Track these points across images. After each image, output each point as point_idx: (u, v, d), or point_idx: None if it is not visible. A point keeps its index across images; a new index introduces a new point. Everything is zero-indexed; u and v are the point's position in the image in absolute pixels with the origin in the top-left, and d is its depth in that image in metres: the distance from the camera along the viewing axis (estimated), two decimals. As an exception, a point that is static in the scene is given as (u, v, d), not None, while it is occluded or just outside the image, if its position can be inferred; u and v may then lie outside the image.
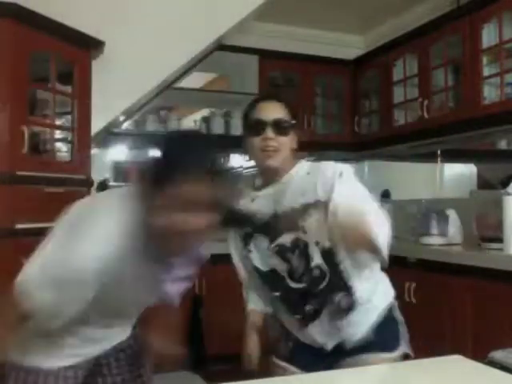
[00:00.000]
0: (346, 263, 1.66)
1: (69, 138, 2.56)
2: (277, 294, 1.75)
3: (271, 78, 4.35)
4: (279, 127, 1.69)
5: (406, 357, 1.71)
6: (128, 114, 3.30)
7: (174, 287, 1.54)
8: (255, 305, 1.86)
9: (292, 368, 1.76)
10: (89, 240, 1.28)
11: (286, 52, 4.29)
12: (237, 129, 4.26)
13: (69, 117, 2.55)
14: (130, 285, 1.40)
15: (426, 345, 3.19)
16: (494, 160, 4.08)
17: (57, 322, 1.34)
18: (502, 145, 3.91)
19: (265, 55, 4.24)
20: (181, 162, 1.29)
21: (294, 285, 1.68)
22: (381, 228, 1.48)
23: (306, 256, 1.66)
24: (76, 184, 2.48)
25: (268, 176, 1.75)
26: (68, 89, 2.52)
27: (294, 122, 1.74)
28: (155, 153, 1.42)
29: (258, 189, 1.78)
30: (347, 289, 1.66)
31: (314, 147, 3.56)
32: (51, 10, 2.29)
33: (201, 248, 1.55)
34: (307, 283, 1.66)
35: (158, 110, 4.32)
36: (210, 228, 1.31)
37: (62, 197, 2.41)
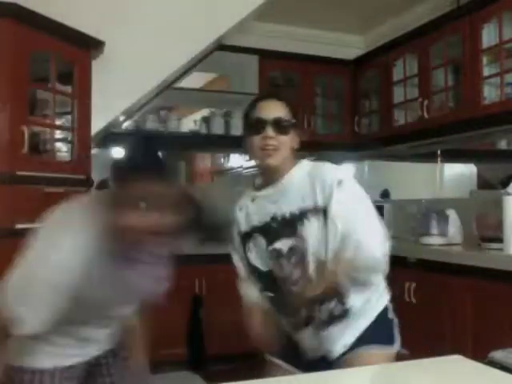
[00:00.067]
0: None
1: (69, 138, 2.56)
2: (271, 295, 1.75)
3: (271, 78, 4.35)
4: (279, 126, 1.69)
5: (400, 357, 1.71)
6: (128, 113, 3.30)
7: (151, 286, 1.57)
8: (253, 294, 1.84)
9: (287, 366, 1.76)
10: (57, 252, 1.35)
11: (285, 52, 4.30)
12: (237, 129, 4.26)
13: (69, 117, 2.55)
14: (101, 286, 1.43)
15: (426, 345, 3.19)
16: (494, 160, 4.08)
17: (36, 329, 1.38)
18: (502, 145, 3.91)
19: (265, 55, 4.24)
20: (137, 163, 1.38)
21: (287, 290, 1.69)
22: (375, 252, 1.59)
23: (303, 264, 1.66)
24: (76, 184, 2.48)
25: (268, 175, 1.74)
26: (68, 89, 2.52)
27: (294, 121, 1.74)
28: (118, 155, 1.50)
29: (258, 188, 1.78)
30: (340, 298, 1.67)
31: (313, 147, 3.56)
32: (51, 10, 2.29)
33: (175, 248, 1.59)
34: (301, 290, 1.65)
35: (158, 110, 4.32)
36: (167, 228, 1.37)
37: (62, 197, 2.41)
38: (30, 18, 2.21)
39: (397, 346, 1.76)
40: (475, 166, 4.13)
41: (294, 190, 1.68)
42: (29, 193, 2.21)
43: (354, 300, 1.68)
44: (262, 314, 1.77)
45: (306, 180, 1.67)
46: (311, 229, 1.63)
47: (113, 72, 2.70)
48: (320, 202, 1.62)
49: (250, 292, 1.83)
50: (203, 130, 4.28)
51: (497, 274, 2.72)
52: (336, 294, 1.64)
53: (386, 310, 1.79)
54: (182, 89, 3.94)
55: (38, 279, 1.35)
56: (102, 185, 1.72)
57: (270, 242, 1.71)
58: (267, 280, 1.76)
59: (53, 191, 2.35)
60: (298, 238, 1.65)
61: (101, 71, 2.62)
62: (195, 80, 4.49)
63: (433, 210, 3.61)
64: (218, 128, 4.23)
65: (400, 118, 3.96)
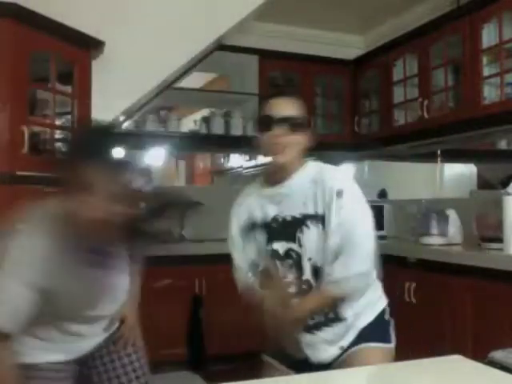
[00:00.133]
0: None
1: (69, 138, 2.56)
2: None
3: (271, 78, 4.34)
4: (288, 125, 1.69)
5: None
6: (128, 113, 3.30)
7: (117, 284, 1.60)
8: (249, 279, 1.83)
9: (283, 367, 1.77)
10: (19, 266, 1.40)
11: (286, 52, 4.29)
12: (237, 129, 4.26)
13: (69, 117, 2.55)
14: (71, 284, 1.47)
15: (426, 345, 3.20)
16: (494, 160, 4.08)
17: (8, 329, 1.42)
18: (502, 145, 3.91)
19: (265, 55, 4.24)
20: (87, 149, 1.44)
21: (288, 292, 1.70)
22: (361, 270, 1.65)
23: (299, 267, 1.69)
24: (76, 184, 2.47)
25: (275, 174, 1.75)
26: (68, 89, 2.52)
27: (304, 120, 1.74)
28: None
29: (264, 186, 1.79)
30: (334, 305, 1.69)
31: (314, 147, 3.56)
32: (51, 10, 2.29)
33: (138, 246, 1.62)
34: (295, 292, 1.69)
35: (158, 110, 4.32)
36: (116, 218, 1.40)
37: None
38: (30, 18, 2.21)
39: (393, 346, 1.79)
40: (475, 166, 4.13)
41: (298, 194, 1.69)
42: (29, 193, 2.21)
43: (346, 308, 1.71)
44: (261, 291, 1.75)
45: (310, 185, 1.69)
46: (310, 235, 1.66)
47: (113, 72, 2.70)
48: (320, 210, 1.64)
49: (246, 277, 1.82)
50: (203, 130, 4.27)
51: (497, 274, 2.72)
52: (328, 309, 1.68)
53: (383, 311, 1.81)
54: (182, 89, 3.93)
55: (8, 293, 1.40)
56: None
57: (269, 241, 1.72)
58: (261, 275, 1.77)
59: (53, 191, 2.34)
60: (295, 244, 1.67)
61: (101, 71, 2.62)
62: (195, 80, 4.48)
63: (433, 210, 3.61)
64: (217, 128, 4.23)
65: (400, 118, 3.95)
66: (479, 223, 3.25)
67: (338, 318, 1.70)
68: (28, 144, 2.18)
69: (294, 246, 1.67)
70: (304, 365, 1.71)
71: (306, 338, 1.72)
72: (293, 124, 1.69)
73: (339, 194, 1.63)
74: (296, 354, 1.75)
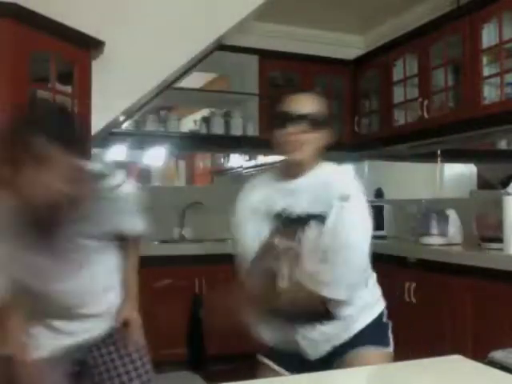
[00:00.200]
0: None
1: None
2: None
3: (271, 78, 4.34)
4: (307, 122, 1.65)
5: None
6: (128, 113, 3.30)
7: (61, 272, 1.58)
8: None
9: (278, 368, 1.76)
10: None
11: (286, 52, 4.29)
12: (237, 129, 4.26)
13: (69, 117, 2.55)
14: (19, 271, 1.50)
15: (426, 345, 3.20)
16: (494, 160, 4.08)
17: None
18: (502, 145, 3.91)
19: (265, 55, 4.24)
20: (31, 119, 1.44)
21: (279, 284, 1.69)
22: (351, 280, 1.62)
23: (294, 264, 1.67)
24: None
25: (288, 169, 1.73)
26: (68, 89, 2.52)
27: (324, 118, 1.70)
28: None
29: (276, 179, 1.77)
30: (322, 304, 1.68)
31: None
32: (51, 10, 2.29)
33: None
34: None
35: (158, 110, 4.32)
36: (63, 196, 1.41)
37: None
38: (30, 18, 2.20)
39: (391, 349, 1.78)
40: (475, 166, 4.13)
41: (307, 193, 1.68)
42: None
43: (344, 310, 1.69)
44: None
45: (321, 186, 1.67)
46: (311, 235, 1.64)
47: (113, 72, 2.70)
48: (325, 210, 1.63)
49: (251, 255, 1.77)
50: (203, 130, 4.27)
51: (497, 274, 2.72)
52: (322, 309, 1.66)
53: (381, 314, 1.81)
54: (182, 89, 3.93)
55: None
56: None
57: (271, 235, 1.71)
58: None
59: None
60: (295, 243, 1.66)
61: (101, 71, 2.62)
62: (195, 80, 4.48)
63: (433, 210, 3.61)
64: (217, 128, 4.23)
65: (400, 118, 3.95)
66: (479, 223, 3.25)
67: (333, 317, 1.69)
68: (28, 144, 2.18)
69: (293, 245, 1.67)
70: (297, 363, 1.70)
71: (302, 331, 1.71)
72: (312, 122, 1.66)
73: (344, 198, 1.62)
74: (285, 343, 1.74)
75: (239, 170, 4.96)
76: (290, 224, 1.68)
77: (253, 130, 4.24)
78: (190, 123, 4.82)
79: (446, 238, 3.44)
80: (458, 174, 4.35)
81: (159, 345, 3.27)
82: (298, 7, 4.20)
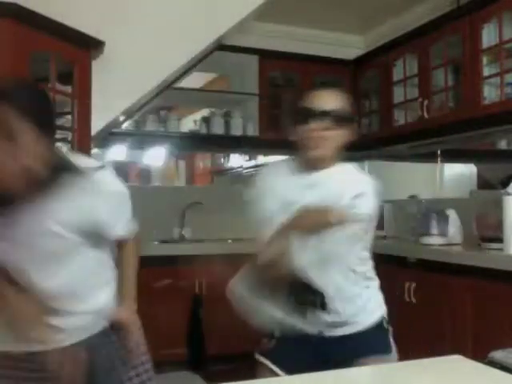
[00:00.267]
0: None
1: (69, 138, 2.56)
2: None
3: (271, 78, 4.35)
4: (330, 119, 1.64)
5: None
6: (128, 113, 3.30)
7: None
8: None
9: (274, 368, 1.76)
10: None
11: (285, 52, 4.30)
12: (237, 129, 4.26)
13: (69, 117, 2.55)
14: None
15: (426, 345, 3.19)
16: (494, 160, 4.08)
17: None
18: (502, 145, 3.91)
19: (265, 55, 4.24)
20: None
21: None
22: None
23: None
24: (76, 184, 2.47)
25: (307, 163, 1.72)
26: (68, 89, 2.51)
27: (347, 115, 1.69)
28: None
29: (294, 171, 1.75)
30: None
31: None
32: (51, 10, 2.28)
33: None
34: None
35: (158, 110, 4.32)
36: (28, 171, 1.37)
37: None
38: (30, 18, 2.20)
39: (394, 355, 1.77)
40: (475, 166, 4.13)
41: (321, 189, 1.67)
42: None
43: (342, 307, 1.71)
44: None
45: (336, 185, 1.68)
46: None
47: (113, 72, 2.70)
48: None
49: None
50: (203, 130, 4.28)
51: (497, 274, 2.72)
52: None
53: (382, 319, 1.80)
54: (182, 89, 3.93)
55: None
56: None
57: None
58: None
59: None
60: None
61: (101, 71, 2.62)
62: (195, 80, 4.48)
63: (433, 210, 3.61)
64: (218, 128, 4.23)
65: (400, 118, 3.96)
66: (479, 223, 3.25)
67: (325, 307, 1.70)
68: (28, 144, 2.18)
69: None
70: (295, 363, 1.70)
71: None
72: (335, 118, 1.64)
73: (357, 196, 1.63)
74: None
75: (239, 169, 4.96)
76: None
77: (253, 130, 4.24)
78: (190, 123, 4.82)
79: (446, 238, 3.44)
80: (458, 174, 4.36)
81: (159, 345, 3.26)
82: (298, 7, 4.20)
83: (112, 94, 2.73)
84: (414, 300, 3.27)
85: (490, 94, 3.22)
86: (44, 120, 1.42)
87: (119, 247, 1.72)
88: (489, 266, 2.79)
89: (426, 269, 3.23)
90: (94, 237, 1.59)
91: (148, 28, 2.84)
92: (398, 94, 3.93)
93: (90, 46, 2.53)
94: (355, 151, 4.49)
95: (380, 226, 4.09)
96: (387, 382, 1.25)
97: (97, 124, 2.69)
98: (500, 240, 2.91)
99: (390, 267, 3.44)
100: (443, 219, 3.50)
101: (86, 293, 1.62)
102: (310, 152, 1.67)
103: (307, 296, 1.70)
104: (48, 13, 2.27)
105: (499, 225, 2.92)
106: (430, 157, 4.19)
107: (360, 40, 4.87)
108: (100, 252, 1.65)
